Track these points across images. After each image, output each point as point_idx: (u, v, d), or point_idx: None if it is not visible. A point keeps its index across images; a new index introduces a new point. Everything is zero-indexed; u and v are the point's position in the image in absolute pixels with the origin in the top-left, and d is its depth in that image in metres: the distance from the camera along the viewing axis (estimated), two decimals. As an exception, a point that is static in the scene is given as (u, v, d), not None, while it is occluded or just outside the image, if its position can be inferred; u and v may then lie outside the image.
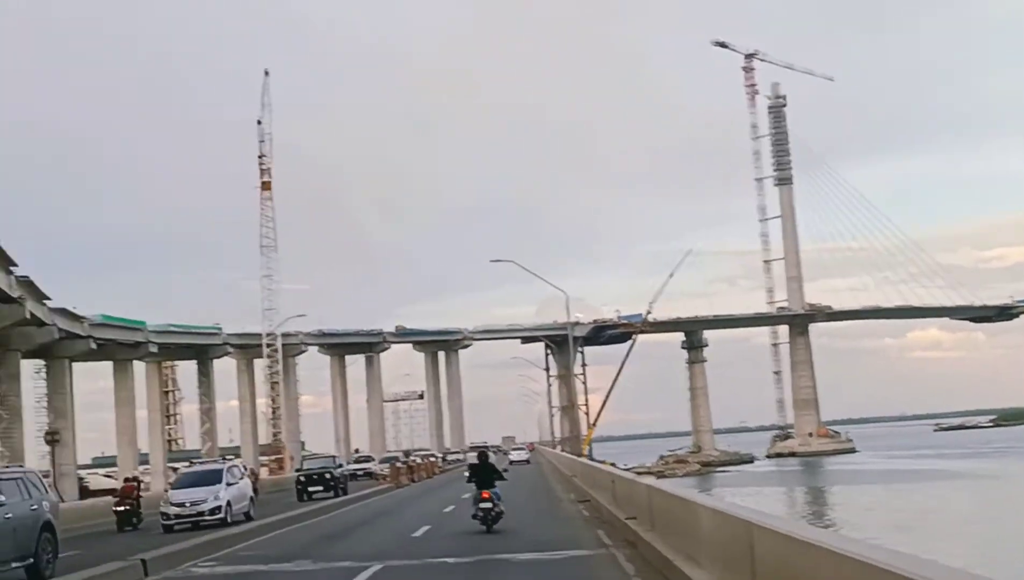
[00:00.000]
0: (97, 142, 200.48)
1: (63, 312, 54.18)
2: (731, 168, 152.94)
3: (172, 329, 75.09)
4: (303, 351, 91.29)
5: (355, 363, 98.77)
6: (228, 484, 24.73)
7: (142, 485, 33.31)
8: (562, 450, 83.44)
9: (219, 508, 23.87)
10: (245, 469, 30.04)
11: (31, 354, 55.84)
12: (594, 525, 18.24)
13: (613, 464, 45.25)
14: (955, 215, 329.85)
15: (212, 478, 24.84)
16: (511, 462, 63.24)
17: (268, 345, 77.36)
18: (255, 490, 29.27)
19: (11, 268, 42.69)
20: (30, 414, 56.58)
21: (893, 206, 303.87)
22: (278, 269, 77.27)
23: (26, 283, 45.14)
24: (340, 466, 40.79)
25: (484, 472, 18.67)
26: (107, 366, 70.49)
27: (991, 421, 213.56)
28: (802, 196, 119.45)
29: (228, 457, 45.02)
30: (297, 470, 44.95)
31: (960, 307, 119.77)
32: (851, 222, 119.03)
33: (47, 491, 15.86)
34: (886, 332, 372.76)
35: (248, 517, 25.01)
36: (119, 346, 66.85)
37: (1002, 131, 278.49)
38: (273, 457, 77.26)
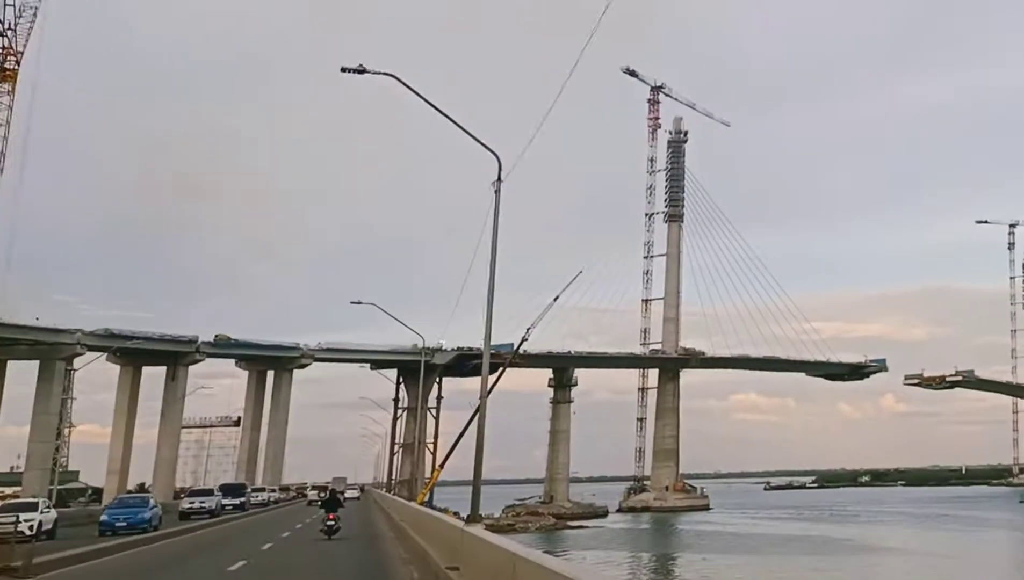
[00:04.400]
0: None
1: None
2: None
3: None
4: (79, 354, 71.56)
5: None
6: None
7: None
8: (396, 494, 72.10)
9: None
10: None
11: None
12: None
13: (456, 514, 42.45)
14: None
15: None
16: (345, 498, 65.43)
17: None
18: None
19: None
20: None
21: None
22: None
23: None
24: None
25: (332, 502, 30.32)
26: None
27: (814, 482, 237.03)
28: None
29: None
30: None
31: (818, 362, 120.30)
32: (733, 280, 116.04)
33: None
34: (711, 393, 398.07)
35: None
36: None
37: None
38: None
